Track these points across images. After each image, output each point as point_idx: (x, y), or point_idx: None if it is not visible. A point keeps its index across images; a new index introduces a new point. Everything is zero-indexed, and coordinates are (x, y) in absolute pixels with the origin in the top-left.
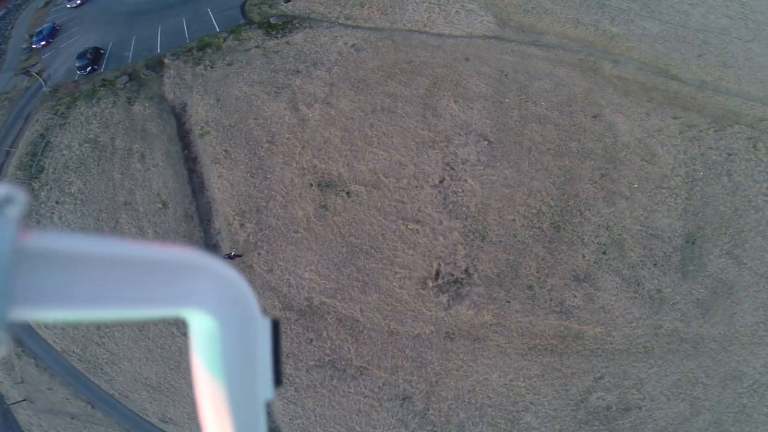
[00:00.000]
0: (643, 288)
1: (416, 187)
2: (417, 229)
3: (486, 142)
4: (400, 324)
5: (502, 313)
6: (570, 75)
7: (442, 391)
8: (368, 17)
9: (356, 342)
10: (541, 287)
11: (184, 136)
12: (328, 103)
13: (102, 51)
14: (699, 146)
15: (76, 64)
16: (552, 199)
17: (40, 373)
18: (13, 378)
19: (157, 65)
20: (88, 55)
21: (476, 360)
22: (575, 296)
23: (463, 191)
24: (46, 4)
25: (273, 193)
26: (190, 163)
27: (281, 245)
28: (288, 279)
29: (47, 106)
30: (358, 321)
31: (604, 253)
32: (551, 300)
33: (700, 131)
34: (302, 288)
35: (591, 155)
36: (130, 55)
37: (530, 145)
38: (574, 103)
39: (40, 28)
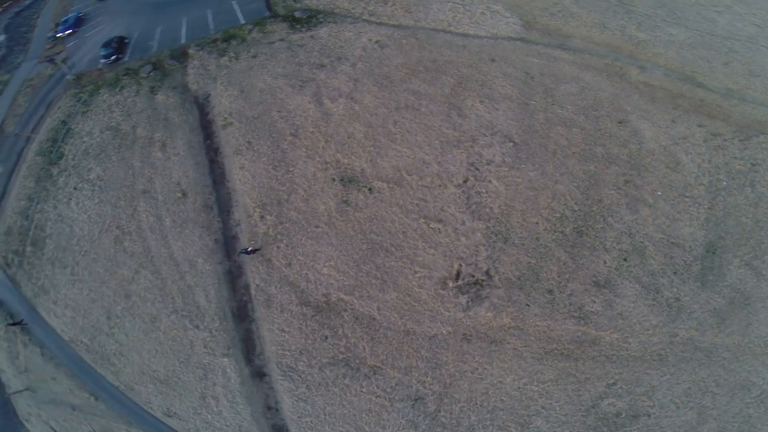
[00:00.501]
0: (662, 296)
1: (440, 186)
2: (439, 229)
3: (511, 144)
4: (418, 324)
5: (521, 316)
6: (596, 79)
7: (455, 393)
8: (392, 14)
9: (372, 341)
10: (561, 292)
11: (206, 127)
12: (352, 99)
13: (127, 40)
14: (723, 155)
15: (101, 53)
16: (576, 203)
17: (46, 362)
18: (17, 367)
19: (181, 55)
20: (113, 44)
21: (492, 363)
22: (594, 302)
23: (487, 192)
24: None
25: (295, 186)
26: (212, 153)
27: (301, 239)
28: (306, 274)
29: (70, 94)
30: (374, 319)
31: (626, 259)
32: (570, 305)
33: (725, 140)
34: (320, 284)
35: (616, 161)
36: (155, 45)
37: (555, 148)
38: (600, 108)
39: (66, 17)
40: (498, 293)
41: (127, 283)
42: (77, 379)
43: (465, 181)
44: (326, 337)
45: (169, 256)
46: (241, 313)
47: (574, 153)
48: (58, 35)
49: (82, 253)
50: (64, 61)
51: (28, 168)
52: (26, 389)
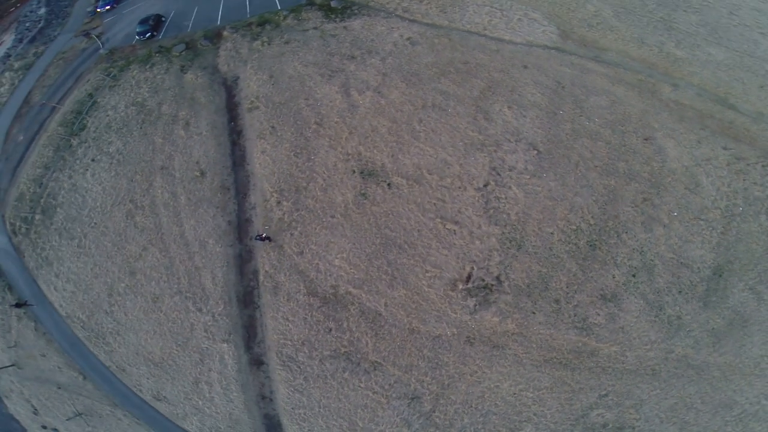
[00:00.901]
0: (664, 313)
1: (459, 187)
2: (454, 230)
3: (535, 152)
4: (423, 323)
5: (525, 323)
6: (627, 94)
7: (452, 395)
8: (426, 13)
9: (375, 336)
10: (567, 302)
11: (232, 109)
12: (379, 93)
13: (163, 19)
14: (744, 180)
15: (137, 30)
16: (592, 217)
17: (38, 337)
18: (6, 341)
19: (215, 37)
20: (150, 22)
21: (492, 367)
22: (598, 314)
23: (506, 198)
24: None
25: (314, 174)
26: (235, 135)
27: (315, 228)
28: (317, 264)
29: (101, 68)
30: (380, 315)
31: (634, 276)
32: (575, 316)
33: (748, 165)
34: (330, 275)
35: (637, 178)
36: (190, 24)
37: (578, 160)
38: (628, 123)
39: None
40: (506, 299)
41: (134, 259)
42: (67, 357)
43: (485, 185)
44: (330, 330)
45: (180, 235)
46: (247, 299)
47: (596, 166)
48: (98, 10)
49: (92, 225)
50: (99, 36)
51: (48, 137)
52: (12, 365)
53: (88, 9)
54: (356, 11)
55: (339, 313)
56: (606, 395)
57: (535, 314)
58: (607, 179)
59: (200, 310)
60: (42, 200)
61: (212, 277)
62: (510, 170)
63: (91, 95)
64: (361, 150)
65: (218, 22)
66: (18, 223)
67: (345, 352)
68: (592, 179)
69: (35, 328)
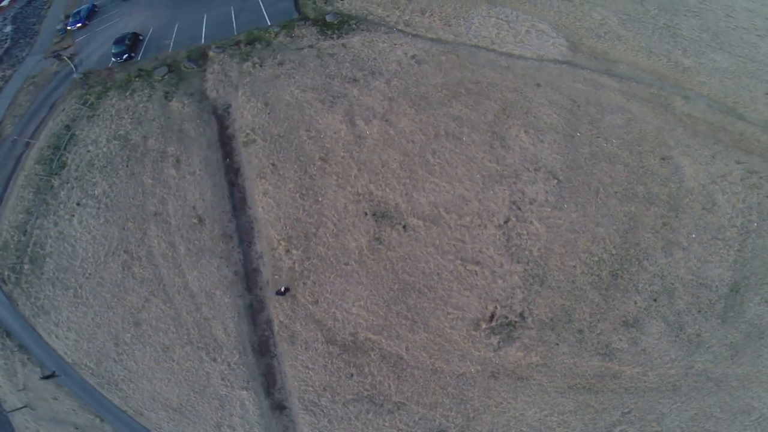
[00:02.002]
0: (685, 332)
1: (479, 225)
2: (476, 271)
3: (555, 181)
4: (446, 363)
5: (549, 354)
6: (642, 110)
7: (478, 426)
8: (429, 27)
9: (398, 379)
10: (591, 331)
11: (226, 143)
12: (387, 121)
13: (141, 37)
14: (758, 194)
15: (113, 51)
16: (614, 247)
17: (46, 382)
18: (14, 384)
19: (200, 58)
20: (126, 41)
21: (516, 397)
22: (621, 340)
23: (527, 234)
24: None
25: (324, 219)
26: (232, 174)
27: (329, 277)
28: (334, 312)
29: (76, 95)
30: (402, 359)
31: (655, 300)
32: (598, 343)
33: (761, 178)
34: (348, 323)
35: (656, 201)
36: (171, 43)
37: (598, 187)
38: (645, 143)
39: (78, 9)
40: (530, 334)
41: (137, 310)
42: (80, 401)
43: (506, 222)
44: (352, 375)
45: (184, 286)
46: (263, 348)
47: (616, 192)
48: (68, 28)
49: (86, 275)
50: (71, 57)
51: (26, 177)
52: (25, 406)
53: (58, 27)
54: (354, 26)
55: (360, 359)
56: (629, 412)
57: (558, 345)
58: (627, 206)
59: (215, 359)
60: (29, 249)
61: (224, 328)
62: (530, 203)
63: (68, 127)
64: (372, 188)
65: (202, 41)
66: (6, 273)
67: (368, 395)
68: (612, 207)
69: (42, 373)
